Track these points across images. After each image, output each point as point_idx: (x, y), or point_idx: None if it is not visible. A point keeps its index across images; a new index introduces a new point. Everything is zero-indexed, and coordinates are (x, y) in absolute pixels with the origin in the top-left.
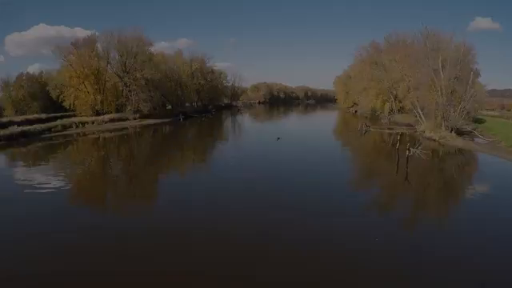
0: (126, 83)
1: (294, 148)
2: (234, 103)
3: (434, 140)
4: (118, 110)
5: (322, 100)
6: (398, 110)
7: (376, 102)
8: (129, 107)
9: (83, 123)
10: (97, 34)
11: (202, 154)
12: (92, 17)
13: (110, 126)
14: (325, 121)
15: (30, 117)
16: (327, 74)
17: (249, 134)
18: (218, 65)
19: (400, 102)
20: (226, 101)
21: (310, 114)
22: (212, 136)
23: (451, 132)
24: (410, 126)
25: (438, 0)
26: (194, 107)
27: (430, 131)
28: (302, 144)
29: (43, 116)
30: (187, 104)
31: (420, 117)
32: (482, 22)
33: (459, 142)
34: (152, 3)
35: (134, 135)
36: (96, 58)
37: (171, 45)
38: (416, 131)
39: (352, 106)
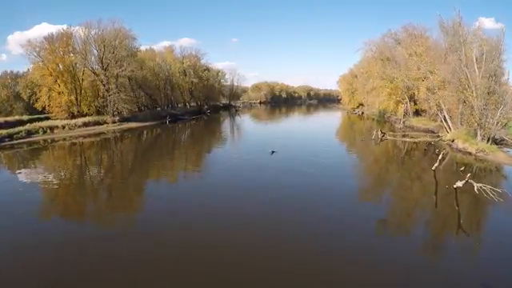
0: (102, 81)
1: (295, 166)
2: (232, 103)
3: (470, 153)
4: (99, 113)
5: (325, 100)
6: (414, 113)
7: (388, 104)
8: (110, 109)
9: (52, 128)
10: (74, 28)
11: (158, 180)
12: (93, 16)
13: (83, 131)
14: (330, 124)
15: (10, 118)
16: (330, 73)
17: (240, 143)
18: (220, 64)
19: (415, 103)
20: (224, 101)
21: (313, 116)
22: (188, 148)
23: (488, 142)
24: (430, 132)
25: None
26: (187, 108)
27: (463, 141)
28: (305, 159)
29: (25, 118)
30: (180, 105)
31: (446, 122)
32: (485, 22)
33: (503, 158)
34: (153, 2)
35: (104, 143)
36: (71, 54)
37: (172, 44)
38: (441, 139)
39: (358, 107)
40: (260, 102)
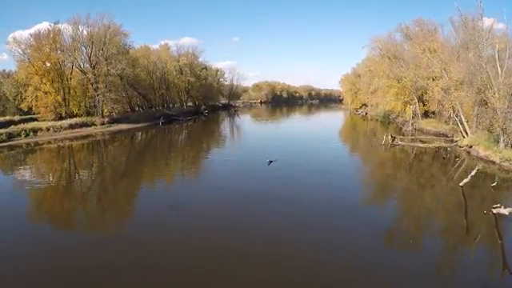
0: (89, 79)
1: (298, 179)
2: (232, 103)
3: (493, 162)
4: (89, 114)
5: (326, 100)
6: (423, 115)
7: (396, 104)
8: (98, 110)
9: (35, 130)
10: (61, 24)
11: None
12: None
13: (69, 133)
14: (333, 126)
15: (1, 119)
16: (331, 73)
17: (237, 147)
18: (221, 64)
19: (424, 104)
20: (223, 100)
21: (314, 116)
22: (178, 155)
23: None
24: (443, 136)
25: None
26: (183, 108)
27: (485, 148)
28: (309, 169)
29: (16, 118)
30: (177, 105)
31: (462, 126)
32: (487, 22)
33: None
34: (154, 2)
35: (89, 147)
36: (59, 51)
37: (174, 44)
38: (457, 145)
39: (361, 107)
40: (261, 102)
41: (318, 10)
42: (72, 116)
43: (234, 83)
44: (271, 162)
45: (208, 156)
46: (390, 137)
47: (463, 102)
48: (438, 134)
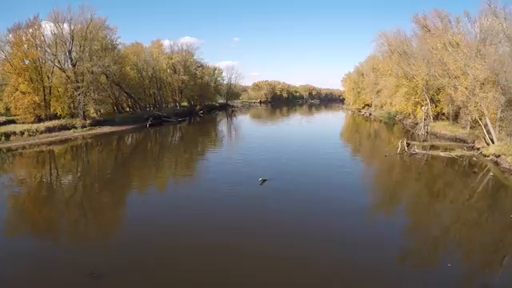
0: (69, 78)
1: (300, 208)
2: (230, 103)
3: None
4: (73, 115)
5: (327, 100)
6: (436, 117)
7: (406, 105)
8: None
9: (8, 135)
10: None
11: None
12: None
13: (47, 137)
14: (337, 128)
15: None
16: (332, 73)
17: (222, 161)
18: (222, 63)
19: (436, 105)
20: (221, 100)
21: (315, 117)
22: (156, 168)
23: None
24: (459, 141)
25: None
26: (177, 109)
27: None
28: (312, 197)
29: (2, 119)
30: (171, 105)
31: (487, 131)
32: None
33: None
34: (154, 2)
35: (64, 153)
36: (38, 48)
37: (175, 43)
38: (481, 153)
39: (363, 108)
40: (260, 102)
41: (318, 10)
42: (55, 118)
43: (233, 82)
44: (264, 180)
45: (187, 173)
46: (405, 143)
47: (490, 104)
48: (454, 140)
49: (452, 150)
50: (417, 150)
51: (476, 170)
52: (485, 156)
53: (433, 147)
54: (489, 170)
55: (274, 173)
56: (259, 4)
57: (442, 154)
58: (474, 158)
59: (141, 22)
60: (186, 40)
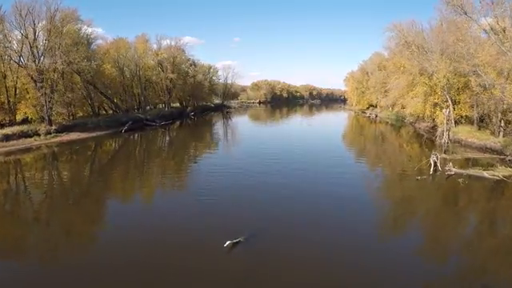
0: (32, 76)
1: None
2: (226, 104)
3: None
4: (43, 120)
5: (328, 100)
6: (456, 121)
7: (424, 107)
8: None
9: None
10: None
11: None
12: (95, 15)
13: (1, 147)
14: (340, 133)
15: None
16: (333, 72)
17: (200, 185)
18: (222, 63)
19: (457, 106)
20: (217, 101)
21: (317, 120)
22: (110, 190)
23: None
24: (491, 151)
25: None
26: (164, 111)
27: None
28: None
29: None
30: (161, 106)
31: None
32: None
33: None
34: (155, 2)
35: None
36: None
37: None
38: None
39: (367, 108)
40: (259, 102)
41: (318, 10)
42: (23, 123)
43: (230, 82)
44: (235, 242)
45: (151, 202)
46: (437, 159)
47: None
48: (485, 150)
49: (492, 166)
50: (453, 170)
51: None
52: None
53: (466, 162)
54: None
55: (255, 229)
56: (259, 4)
57: (486, 174)
58: None
59: (141, 22)
60: (186, 40)
